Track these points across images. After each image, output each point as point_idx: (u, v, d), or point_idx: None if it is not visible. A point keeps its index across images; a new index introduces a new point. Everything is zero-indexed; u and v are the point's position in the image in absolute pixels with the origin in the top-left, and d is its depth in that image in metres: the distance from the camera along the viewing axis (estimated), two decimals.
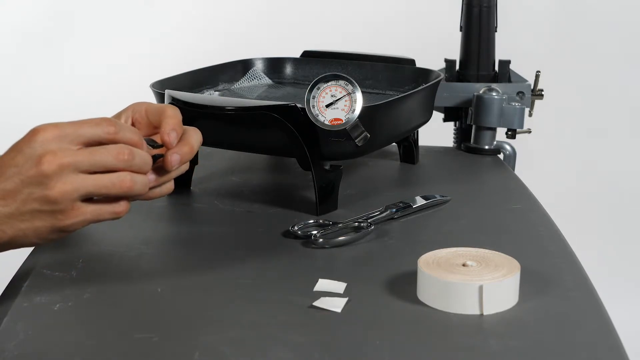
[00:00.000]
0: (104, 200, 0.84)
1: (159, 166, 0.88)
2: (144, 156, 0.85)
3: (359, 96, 1.08)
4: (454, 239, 1.03)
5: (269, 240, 1.04)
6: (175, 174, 0.90)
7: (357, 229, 1.04)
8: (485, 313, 0.85)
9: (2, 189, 0.81)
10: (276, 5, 2.47)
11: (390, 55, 1.40)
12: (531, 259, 0.95)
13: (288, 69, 1.45)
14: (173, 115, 0.91)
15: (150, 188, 0.89)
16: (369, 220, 1.06)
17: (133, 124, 0.95)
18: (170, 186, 0.91)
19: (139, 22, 2.50)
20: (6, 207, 0.82)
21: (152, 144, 0.89)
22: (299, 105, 1.07)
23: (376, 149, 1.20)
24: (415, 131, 1.32)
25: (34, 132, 0.81)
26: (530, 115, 1.42)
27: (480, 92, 1.39)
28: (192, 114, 1.13)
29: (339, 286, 0.91)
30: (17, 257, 1.01)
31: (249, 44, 1.89)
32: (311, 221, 1.07)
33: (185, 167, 0.91)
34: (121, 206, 0.85)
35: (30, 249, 1.01)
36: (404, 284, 0.91)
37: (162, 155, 0.88)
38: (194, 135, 0.91)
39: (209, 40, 2.39)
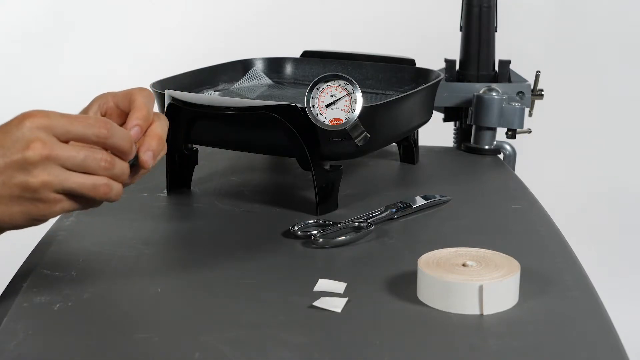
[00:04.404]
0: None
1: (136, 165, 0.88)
2: (123, 166, 0.85)
3: (359, 96, 1.08)
4: (454, 239, 1.03)
5: (269, 240, 1.04)
6: (148, 169, 0.90)
7: (357, 229, 1.04)
8: (485, 313, 0.85)
9: None
10: (276, 5, 2.47)
11: (390, 55, 1.40)
12: (531, 259, 0.95)
13: (288, 69, 1.45)
14: (140, 107, 0.89)
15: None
16: (369, 220, 1.06)
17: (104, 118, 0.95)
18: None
19: (139, 22, 2.50)
20: None
21: None
22: (299, 105, 1.07)
23: (376, 149, 1.20)
24: (415, 131, 1.32)
25: (24, 117, 0.80)
26: (530, 115, 1.42)
27: (480, 92, 1.39)
28: (192, 114, 1.13)
29: (339, 286, 0.91)
30: (17, 257, 1.01)
31: (249, 44, 1.89)
32: (311, 221, 1.07)
33: (163, 151, 0.90)
34: (92, 204, 0.85)
35: (30, 248, 1.01)
36: (404, 284, 0.91)
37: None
38: (159, 124, 0.90)
39: (209, 40, 2.39)
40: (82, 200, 0.84)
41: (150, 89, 1.21)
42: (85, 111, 0.95)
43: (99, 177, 0.83)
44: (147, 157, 0.87)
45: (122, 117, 0.94)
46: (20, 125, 0.80)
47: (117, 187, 0.85)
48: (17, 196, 0.81)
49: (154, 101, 0.92)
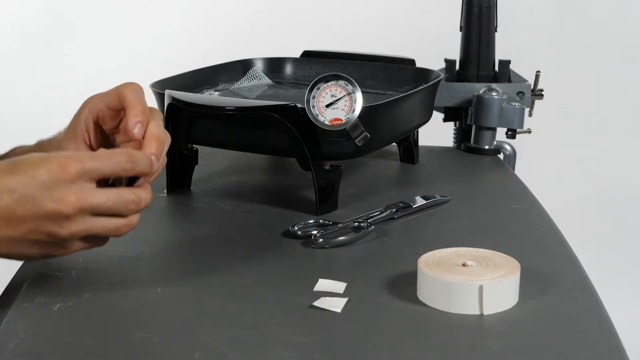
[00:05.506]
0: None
1: None
2: (147, 198, 0.86)
3: (359, 96, 1.08)
4: (454, 239, 1.03)
5: (269, 240, 1.04)
6: (158, 169, 0.90)
7: (357, 229, 1.04)
8: (485, 313, 0.85)
9: (13, 215, 0.80)
10: (276, 5, 2.47)
11: (390, 55, 1.40)
12: (531, 259, 0.95)
13: (288, 69, 1.45)
14: (134, 104, 0.90)
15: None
16: (369, 220, 1.06)
17: (97, 122, 0.95)
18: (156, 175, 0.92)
19: (139, 22, 2.50)
20: (9, 231, 0.81)
21: None
22: (299, 105, 1.07)
23: (376, 149, 1.20)
24: (415, 131, 1.32)
25: (59, 167, 0.80)
26: (530, 115, 1.42)
27: (480, 92, 1.39)
28: (192, 114, 1.13)
29: (339, 286, 0.91)
30: None
31: (249, 44, 1.89)
32: (311, 221, 1.07)
33: (164, 159, 0.91)
34: (105, 241, 0.88)
35: None
36: (404, 284, 0.91)
37: None
38: (154, 124, 0.90)
39: (209, 40, 2.39)
40: (98, 239, 0.86)
41: (151, 89, 1.21)
42: (76, 117, 0.96)
43: (122, 220, 0.85)
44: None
45: (115, 117, 0.94)
46: (56, 177, 0.80)
47: (135, 219, 0.87)
48: (42, 241, 0.83)
49: (144, 92, 0.92)
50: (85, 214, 0.82)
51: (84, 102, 0.96)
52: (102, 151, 0.84)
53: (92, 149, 0.96)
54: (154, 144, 0.88)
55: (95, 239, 0.86)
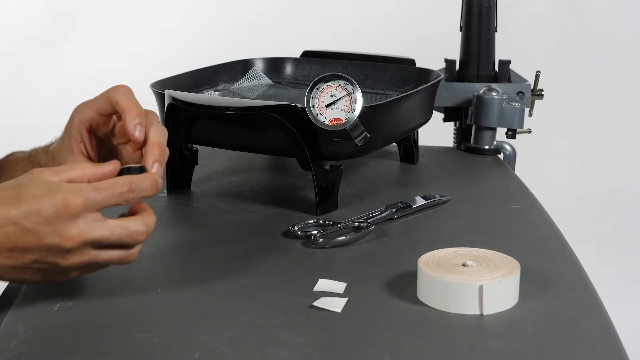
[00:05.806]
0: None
1: None
2: (154, 223, 0.86)
3: (359, 96, 1.08)
4: (454, 239, 1.03)
5: (269, 240, 1.04)
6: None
7: (357, 229, 1.04)
8: (485, 313, 0.85)
9: (17, 246, 0.81)
10: (276, 5, 2.47)
11: (390, 55, 1.40)
12: (531, 259, 0.95)
13: (288, 69, 1.45)
14: (129, 107, 0.90)
15: None
16: (369, 220, 1.06)
17: (90, 130, 0.94)
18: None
19: (139, 22, 2.50)
20: (13, 260, 0.82)
21: (131, 170, 0.87)
22: (299, 105, 1.07)
23: (376, 149, 1.20)
24: (415, 131, 1.32)
25: (63, 201, 0.80)
26: (530, 115, 1.42)
27: (480, 92, 1.39)
28: (192, 114, 1.13)
29: (339, 286, 0.91)
30: None
31: (249, 44, 1.89)
32: (311, 221, 1.07)
33: (166, 157, 0.91)
34: (106, 267, 0.87)
35: None
36: (404, 284, 0.91)
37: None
38: (154, 130, 0.90)
39: (209, 40, 2.39)
40: (94, 270, 0.86)
41: (151, 89, 1.21)
42: (68, 129, 0.95)
43: (128, 249, 0.85)
44: (155, 169, 0.88)
45: (108, 122, 0.94)
46: (60, 215, 0.81)
47: (139, 249, 0.86)
48: (45, 269, 0.83)
49: (134, 92, 0.92)
50: (87, 247, 0.82)
51: (73, 112, 0.95)
52: (103, 182, 0.84)
53: (90, 158, 0.96)
54: (156, 150, 0.89)
55: (98, 266, 0.86)
